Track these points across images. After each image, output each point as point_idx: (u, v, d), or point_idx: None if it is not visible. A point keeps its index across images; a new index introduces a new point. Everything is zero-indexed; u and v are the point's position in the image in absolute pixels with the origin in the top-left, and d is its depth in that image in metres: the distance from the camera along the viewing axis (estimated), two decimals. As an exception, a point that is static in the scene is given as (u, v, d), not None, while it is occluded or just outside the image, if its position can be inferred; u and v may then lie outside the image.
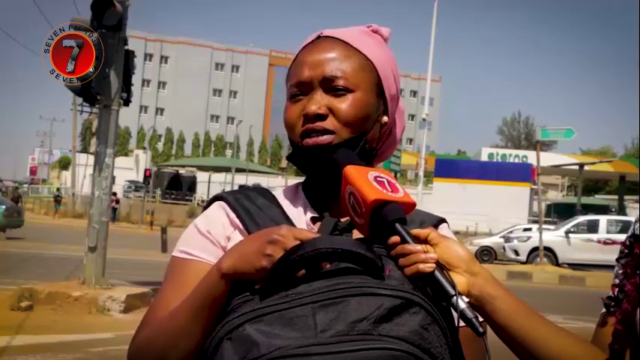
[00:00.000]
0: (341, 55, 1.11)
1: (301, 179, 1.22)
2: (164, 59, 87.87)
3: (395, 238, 0.96)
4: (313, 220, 1.12)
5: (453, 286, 0.93)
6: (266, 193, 1.17)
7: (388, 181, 1.02)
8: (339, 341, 0.84)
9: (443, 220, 1.21)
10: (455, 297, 0.91)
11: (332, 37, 1.14)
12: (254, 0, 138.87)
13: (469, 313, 0.91)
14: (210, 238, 1.11)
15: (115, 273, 9.77)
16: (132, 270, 12.16)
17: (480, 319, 0.95)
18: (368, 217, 0.98)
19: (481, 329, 0.90)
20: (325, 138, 1.07)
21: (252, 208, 1.12)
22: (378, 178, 1.01)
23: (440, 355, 0.88)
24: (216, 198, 1.17)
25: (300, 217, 1.12)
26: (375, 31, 1.19)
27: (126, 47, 9.19)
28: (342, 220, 1.09)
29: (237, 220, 1.11)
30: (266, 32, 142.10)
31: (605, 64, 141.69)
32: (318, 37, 1.15)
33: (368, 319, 0.86)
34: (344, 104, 1.08)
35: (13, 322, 7.44)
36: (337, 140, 1.08)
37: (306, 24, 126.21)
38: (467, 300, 0.93)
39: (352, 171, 1.02)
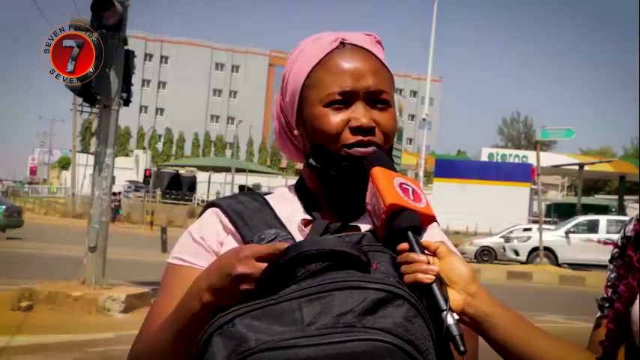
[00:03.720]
0: (376, 67, 1.13)
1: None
2: (164, 59, 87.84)
3: (403, 245, 0.98)
4: (305, 222, 1.13)
5: (446, 302, 0.94)
6: (258, 197, 1.19)
7: (413, 190, 1.04)
8: (324, 333, 0.87)
9: None
10: (444, 312, 0.93)
11: (358, 46, 1.15)
12: (254, 0, 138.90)
13: (454, 330, 0.92)
14: (204, 244, 1.13)
15: (115, 273, 9.77)
16: (132, 270, 12.14)
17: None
18: (385, 219, 1.00)
19: (462, 348, 0.91)
20: (371, 149, 1.10)
21: (244, 212, 1.13)
22: (404, 185, 1.04)
23: (424, 346, 0.90)
24: (210, 204, 1.19)
25: (292, 220, 1.14)
26: (379, 42, 1.20)
27: (126, 47, 9.19)
28: (334, 223, 1.11)
29: (230, 225, 1.13)
30: (266, 32, 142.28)
31: (605, 64, 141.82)
32: (342, 43, 1.15)
33: (353, 312, 0.88)
34: (386, 118, 1.12)
35: (13, 322, 7.44)
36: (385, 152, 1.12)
37: (306, 24, 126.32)
38: (457, 317, 0.95)
39: (379, 173, 1.04)
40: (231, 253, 0.97)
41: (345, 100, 1.10)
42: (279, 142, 1.28)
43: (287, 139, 1.24)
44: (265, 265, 0.93)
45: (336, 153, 1.10)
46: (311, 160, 1.14)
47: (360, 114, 1.09)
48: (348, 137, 1.10)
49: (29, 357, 6.18)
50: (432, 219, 1.03)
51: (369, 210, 1.06)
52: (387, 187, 1.01)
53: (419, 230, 1.00)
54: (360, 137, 1.09)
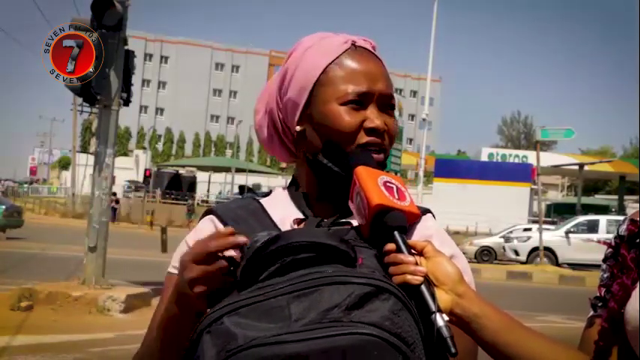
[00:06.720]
0: (385, 72, 1.17)
1: None
2: (164, 59, 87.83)
3: (390, 246, 0.99)
4: (298, 221, 1.15)
5: (435, 303, 0.94)
6: (253, 201, 1.21)
7: (397, 188, 1.04)
8: (311, 329, 0.87)
9: (427, 211, 1.23)
10: (434, 314, 0.93)
11: (368, 50, 1.18)
12: (254, 0, 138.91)
13: (445, 332, 0.92)
14: None
15: (115, 273, 9.77)
16: (132, 270, 12.14)
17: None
18: (370, 219, 1.01)
19: (453, 349, 0.91)
20: (382, 156, 1.13)
21: (240, 217, 1.16)
22: (388, 184, 1.03)
23: (411, 338, 0.90)
24: (206, 212, 1.21)
25: (286, 221, 1.16)
26: (374, 48, 1.22)
27: (126, 47, 9.20)
28: (326, 220, 1.13)
29: None
30: (266, 32, 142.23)
31: (605, 64, 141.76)
32: (353, 45, 1.17)
33: (339, 307, 0.89)
34: (393, 123, 1.15)
35: (13, 322, 7.45)
36: (386, 157, 1.14)
37: (306, 24, 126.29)
38: (446, 319, 0.95)
39: (362, 172, 1.04)
40: (184, 261, 0.98)
41: (361, 100, 1.13)
42: (267, 144, 1.29)
43: (277, 140, 1.25)
44: (222, 264, 0.94)
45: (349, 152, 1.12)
46: (320, 157, 1.15)
47: (374, 116, 1.12)
48: (363, 137, 1.12)
49: (29, 357, 6.18)
50: (416, 216, 1.04)
51: (354, 210, 1.06)
52: (371, 186, 1.01)
53: (404, 230, 1.00)
54: (373, 138, 1.12)
